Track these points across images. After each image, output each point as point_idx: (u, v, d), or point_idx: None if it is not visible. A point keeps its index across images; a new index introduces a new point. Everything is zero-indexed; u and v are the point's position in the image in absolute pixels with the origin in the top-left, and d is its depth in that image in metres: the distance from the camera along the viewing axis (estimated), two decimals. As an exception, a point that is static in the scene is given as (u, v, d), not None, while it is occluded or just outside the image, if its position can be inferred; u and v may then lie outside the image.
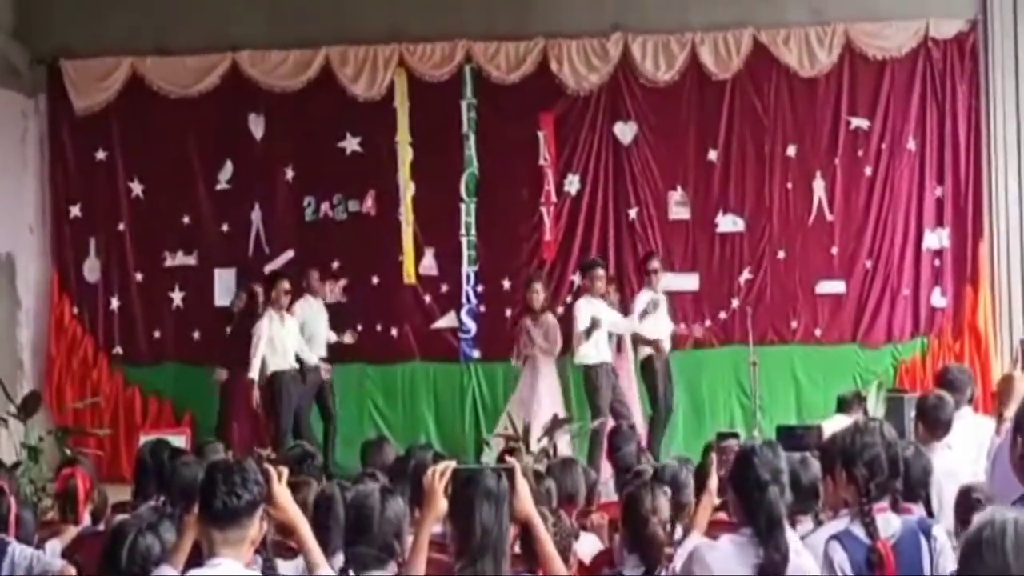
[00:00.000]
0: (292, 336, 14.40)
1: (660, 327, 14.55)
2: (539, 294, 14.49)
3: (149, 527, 5.67)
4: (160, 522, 5.90)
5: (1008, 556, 3.35)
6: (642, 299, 14.48)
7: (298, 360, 14.46)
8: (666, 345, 14.61)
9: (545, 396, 14.23)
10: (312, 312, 14.88)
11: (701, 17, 15.50)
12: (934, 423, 8.12)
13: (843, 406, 12.04)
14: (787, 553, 5.15)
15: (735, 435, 6.45)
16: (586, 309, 14.04)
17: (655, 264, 14.75)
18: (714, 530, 5.76)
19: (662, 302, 14.49)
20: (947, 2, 15.46)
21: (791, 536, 5.29)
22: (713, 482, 5.87)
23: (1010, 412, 7.11)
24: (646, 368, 14.59)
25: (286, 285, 14.49)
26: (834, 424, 9.32)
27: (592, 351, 14.09)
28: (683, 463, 7.75)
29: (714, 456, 6.02)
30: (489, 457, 12.98)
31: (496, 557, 4.52)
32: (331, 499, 6.23)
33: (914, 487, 6.17)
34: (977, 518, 3.57)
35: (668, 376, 14.62)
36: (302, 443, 10.41)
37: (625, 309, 14.69)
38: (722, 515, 6.01)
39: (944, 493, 7.01)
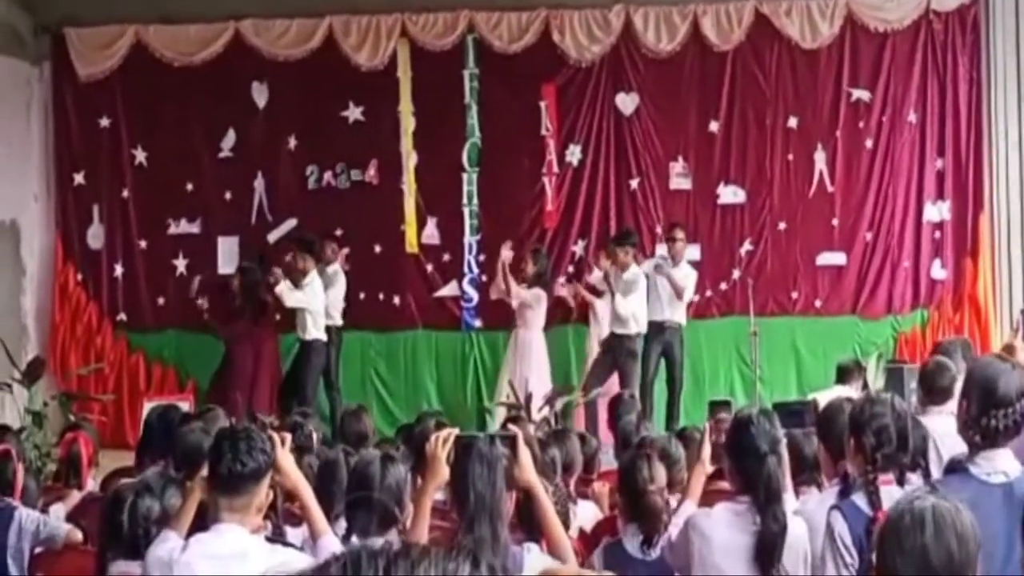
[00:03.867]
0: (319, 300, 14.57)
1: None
2: (528, 266, 14.77)
3: (147, 489, 5.73)
4: (165, 487, 5.97)
5: (928, 542, 3.42)
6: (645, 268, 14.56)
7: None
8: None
9: (542, 367, 14.43)
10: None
11: (704, -12, 15.55)
12: (931, 389, 8.16)
13: (843, 375, 12.09)
14: (785, 522, 5.21)
15: (727, 403, 6.47)
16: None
17: (681, 234, 14.74)
18: (714, 499, 5.82)
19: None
20: (949, -26, 15.50)
21: (785, 502, 5.36)
22: (706, 451, 5.91)
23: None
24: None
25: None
26: (830, 394, 9.36)
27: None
28: (673, 436, 7.82)
29: (707, 424, 6.06)
30: (493, 426, 13.05)
31: (493, 521, 4.57)
32: (335, 465, 6.28)
33: (913, 456, 6.23)
34: (895, 504, 3.65)
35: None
36: (304, 410, 10.49)
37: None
38: (724, 484, 6.05)
39: (945, 453, 7.06)
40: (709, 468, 5.93)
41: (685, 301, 14.59)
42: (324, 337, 14.54)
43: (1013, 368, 4.70)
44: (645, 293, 14.27)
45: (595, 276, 14.84)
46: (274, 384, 14.99)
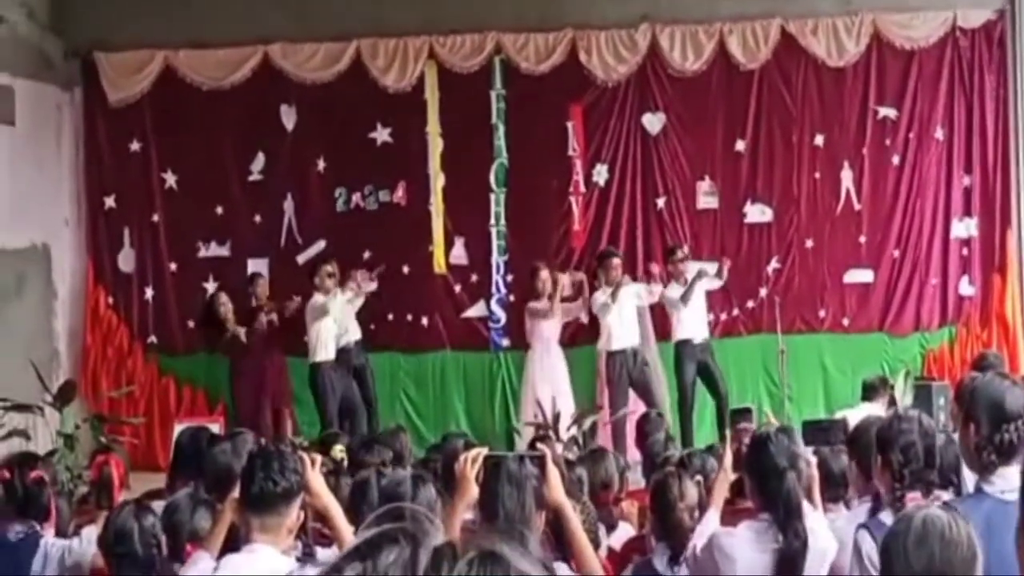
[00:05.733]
0: (333, 318, 14.52)
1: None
2: (545, 282, 14.70)
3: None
4: (195, 508, 6.03)
5: (908, 548, 3.68)
6: (673, 293, 14.53)
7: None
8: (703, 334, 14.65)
9: (566, 383, 14.46)
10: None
11: (730, 7, 15.53)
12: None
13: (868, 392, 12.07)
14: (806, 539, 5.23)
15: (748, 410, 6.51)
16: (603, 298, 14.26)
17: (681, 255, 14.75)
18: (739, 518, 5.83)
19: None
20: (975, -9, 15.51)
21: (808, 514, 5.38)
22: (728, 459, 5.94)
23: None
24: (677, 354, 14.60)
25: (329, 268, 14.61)
26: (856, 412, 9.36)
27: (604, 339, 14.27)
28: (709, 450, 7.83)
29: (728, 432, 6.09)
30: (521, 445, 13.05)
31: (523, 541, 4.59)
32: (366, 485, 6.30)
33: (945, 473, 6.23)
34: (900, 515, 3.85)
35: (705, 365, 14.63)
36: (334, 431, 10.54)
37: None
38: (749, 504, 6.07)
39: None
40: (732, 475, 5.96)
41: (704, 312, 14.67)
42: (321, 360, 14.50)
43: (1014, 384, 4.74)
44: (618, 312, 14.27)
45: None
46: (280, 403, 15.00)
